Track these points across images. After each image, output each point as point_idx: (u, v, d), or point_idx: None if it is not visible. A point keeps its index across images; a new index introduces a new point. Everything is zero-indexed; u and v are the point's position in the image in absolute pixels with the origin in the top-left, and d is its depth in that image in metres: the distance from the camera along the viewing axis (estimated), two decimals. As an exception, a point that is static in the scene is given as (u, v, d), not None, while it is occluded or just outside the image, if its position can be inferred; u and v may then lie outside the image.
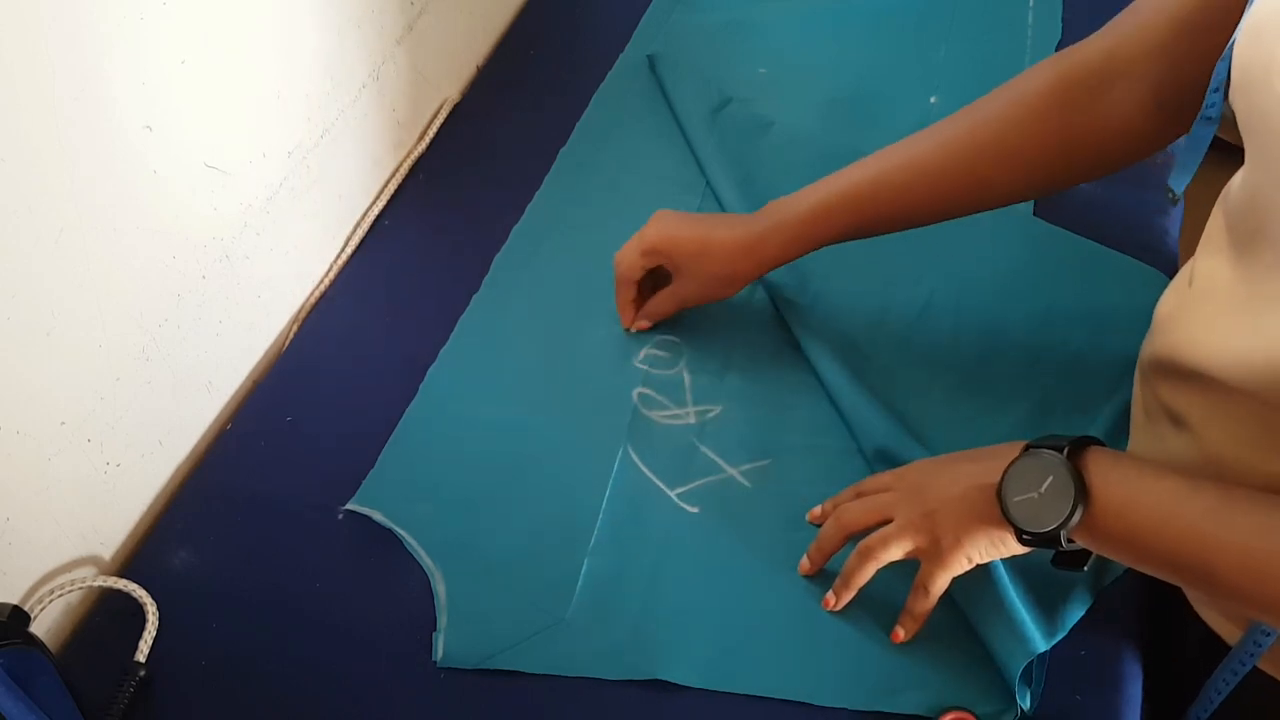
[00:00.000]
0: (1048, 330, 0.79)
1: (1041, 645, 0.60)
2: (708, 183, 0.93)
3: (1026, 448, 0.57)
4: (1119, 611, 0.65)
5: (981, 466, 0.60)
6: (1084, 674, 0.62)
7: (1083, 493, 0.54)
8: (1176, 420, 0.58)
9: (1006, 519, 0.57)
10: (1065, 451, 0.55)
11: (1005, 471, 0.57)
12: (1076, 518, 0.54)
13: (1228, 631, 0.61)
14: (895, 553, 0.62)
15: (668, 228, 0.78)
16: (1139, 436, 0.65)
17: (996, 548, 0.60)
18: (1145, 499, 0.53)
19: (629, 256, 0.80)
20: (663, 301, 0.81)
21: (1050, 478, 0.55)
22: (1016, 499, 0.56)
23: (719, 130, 0.96)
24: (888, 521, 0.63)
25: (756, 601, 0.67)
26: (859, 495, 0.67)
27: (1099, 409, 0.73)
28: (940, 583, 0.61)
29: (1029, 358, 0.78)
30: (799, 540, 0.69)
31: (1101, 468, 0.55)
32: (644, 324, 0.83)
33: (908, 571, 0.63)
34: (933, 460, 0.65)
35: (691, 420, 0.77)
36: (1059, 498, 0.55)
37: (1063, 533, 0.55)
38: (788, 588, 0.68)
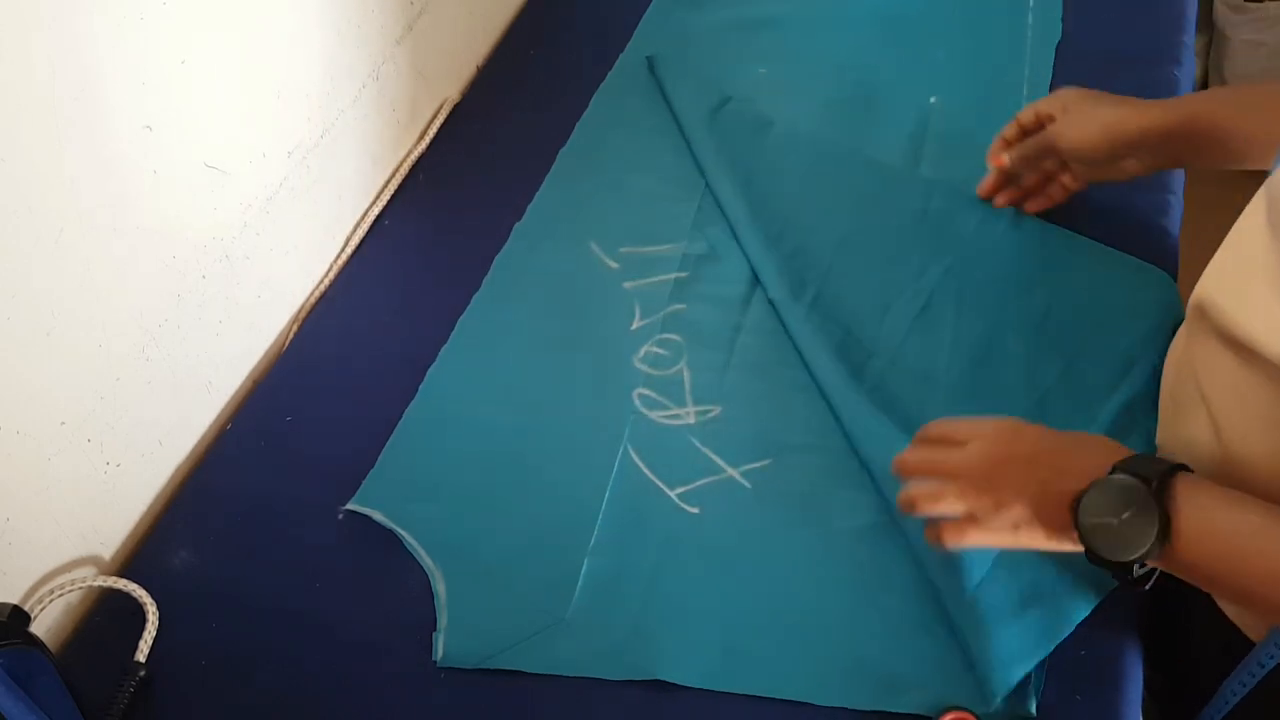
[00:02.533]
0: (1048, 329, 0.79)
1: (1040, 654, 0.60)
2: (707, 183, 0.93)
3: (1114, 468, 0.55)
4: (1119, 611, 0.64)
5: (1063, 472, 0.57)
6: (1084, 674, 0.62)
7: (1165, 532, 0.53)
8: (1206, 401, 0.58)
9: (1080, 536, 0.55)
10: (1154, 484, 0.53)
11: (1087, 489, 0.55)
12: (1153, 554, 0.53)
13: (1255, 630, 0.61)
14: (950, 510, 0.60)
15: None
16: (1166, 429, 0.66)
17: (1049, 545, 0.58)
18: (1223, 531, 0.53)
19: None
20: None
21: (1132, 509, 0.53)
22: (1093, 520, 0.54)
23: (718, 131, 0.96)
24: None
25: (756, 602, 0.67)
26: (936, 441, 0.64)
27: (1099, 407, 0.73)
28: (974, 541, 0.59)
29: (1029, 356, 0.77)
30: (799, 540, 0.69)
31: (1186, 499, 0.53)
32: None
33: (907, 570, 0.63)
34: (1013, 439, 0.61)
35: (691, 420, 0.77)
36: (1139, 532, 0.53)
37: (1135, 566, 0.54)
38: (788, 588, 0.68)
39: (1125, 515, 0.53)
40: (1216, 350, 0.58)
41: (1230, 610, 0.63)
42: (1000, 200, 0.86)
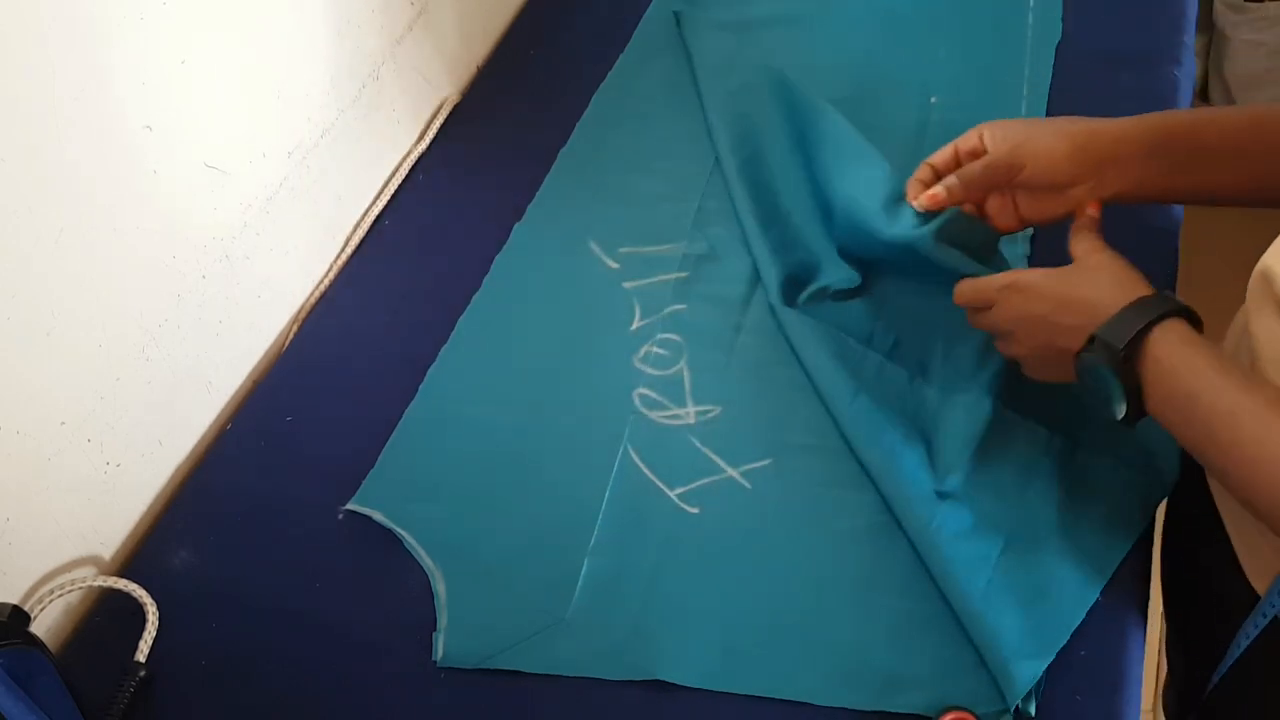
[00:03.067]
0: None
1: (1056, 644, 0.61)
2: (714, 162, 0.93)
3: (1092, 337, 0.59)
4: (1119, 611, 0.64)
5: (1063, 330, 0.62)
6: (1084, 674, 0.62)
7: (1131, 394, 0.58)
8: (1260, 376, 0.60)
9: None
10: (1122, 354, 0.57)
11: (1082, 348, 0.60)
12: (1130, 419, 0.59)
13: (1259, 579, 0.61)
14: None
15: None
16: None
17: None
18: (1184, 383, 0.56)
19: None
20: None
21: (1108, 377, 0.59)
22: (1081, 381, 0.61)
23: (736, 102, 0.97)
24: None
25: (756, 602, 0.67)
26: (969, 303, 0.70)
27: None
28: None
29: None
30: (799, 540, 0.69)
31: (1154, 362, 0.57)
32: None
33: (907, 570, 0.63)
34: (1020, 301, 0.65)
35: (691, 420, 0.77)
36: (1111, 396, 0.59)
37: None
38: (788, 588, 0.68)
39: (1098, 382, 0.59)
40: (1275, 322, 0.58)
41: (1245, 563, 0.62)
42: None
